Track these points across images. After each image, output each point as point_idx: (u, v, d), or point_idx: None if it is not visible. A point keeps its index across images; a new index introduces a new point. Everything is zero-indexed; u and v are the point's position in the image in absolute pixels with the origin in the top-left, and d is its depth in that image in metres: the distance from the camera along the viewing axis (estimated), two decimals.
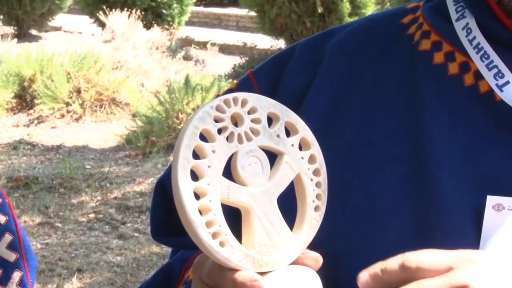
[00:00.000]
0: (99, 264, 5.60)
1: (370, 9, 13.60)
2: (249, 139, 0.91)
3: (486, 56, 1.05)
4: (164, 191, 1.27)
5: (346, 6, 13.11)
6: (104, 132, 9.26)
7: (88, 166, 7.87)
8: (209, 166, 0.88)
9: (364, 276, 0.91)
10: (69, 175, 7.44)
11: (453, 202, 1.02)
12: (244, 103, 0.92)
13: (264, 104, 0.94)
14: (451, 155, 1.05)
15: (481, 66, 1.05)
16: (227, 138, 0.90)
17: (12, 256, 1.17)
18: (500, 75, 1.04)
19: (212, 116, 0.89)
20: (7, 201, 1.17)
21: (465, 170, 1.04)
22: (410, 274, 0.89)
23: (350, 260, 0.93)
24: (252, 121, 0.92)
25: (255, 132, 0.92)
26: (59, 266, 5.56)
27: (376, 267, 0.91)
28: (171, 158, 7.88)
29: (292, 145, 0.95)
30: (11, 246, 1.17)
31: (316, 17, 13.10)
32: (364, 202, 1.07)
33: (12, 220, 1.18)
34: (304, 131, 0.96)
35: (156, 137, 8.27)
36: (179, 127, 8.23)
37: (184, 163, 0.86)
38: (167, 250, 5.76)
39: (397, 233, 0.98)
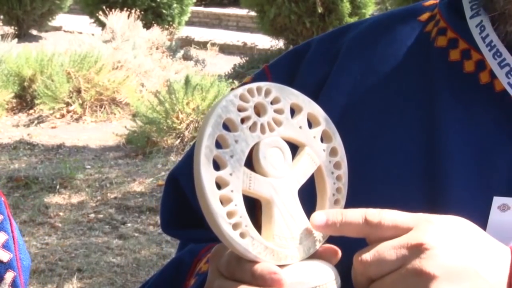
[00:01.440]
0: (99, 264, 5.60)
1: (370, 9, 13.59)
2: (271, 129, 0.91)
3: (498, 54, 1.06)
4: (175, 184, 1.27)
5: (346, 6, 13.10)
6: (104, 132, 9.25)
7: (88, 166, 7.86)
8: (231, 156, 0.87)
9: (320, 219, 0.92)
10: (69, 175, 7.44)
11: (461, 201, 1.03)
12: (267, 93, 0.92)
13: (287, 95, 0.93)
14: (464, 153, 1.05)
15: (493, 64, 1.06)
16: (249, 128, 0.90)
17: (5, 256, 1.15)
18: None
19: (235, 105, 0.89)
20: (3, 199, 1.16)
21: (477, 170, 1.04)
22: (370, 229, 0.90)
23: (362, 243, 0.93)
24: (275, 111, 0.92)
25: (278, 123, 0.92)
26: (59, 266, 5.55)
27: (335, 214, 0.91)
28: (171, 158, 7.89)
29: (314, 137, 0.95)
30: (5, 246, 1.16)
31: (316, 17, 13.09)
32: (377, 196, 1.07)
33: (7, 219, 1.17)
34: (327, 123, 0.96)
35: (156, 137, 8.27)
36: (179, 127, 8.23)
37: (207, 152, 0.86)
38: (167, 250, 5.76)
39: None
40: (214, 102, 0.88)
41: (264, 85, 0.92)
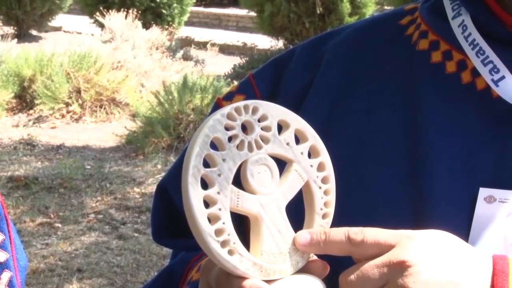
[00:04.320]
0: (99, 265, 5.60)
1: (370, 9, 13.59)
2: (259, 147, 0.92)
3: (481, 52, 1.07)
4: (165, 194, 1.28)
5: (346, 6, 13.10)
6: (104, 132, 9.25)
7: (88, 166, 7.86)
8: (219, 175, 0.88)
9: (304, 238, 0.93)
10: (69, 175, 7.44)
11: (447, 200, 1.04)
12: (254, 110, 0.93)
13: (275, 112, 0.94)
14: (448, 152, 1.06)
15: (476, 62, 1.07)
16: (237, 146, 0.90)
17: (2, 256, 1.15)
18: (495, 70, 1.05)
19: (223, 124, 0.90)
20: (0, 199, 1.16)
21: (461, 167, 1.05)
22: (353, 247, 0.91)
23: (349, 257, 0.94)
24: (262, 128, 0.93)
25: (265, 140, 0.93)
26: (59, 267, 5.56)
27: (319, 234, 0.92)
28: (171, 158, 7.89)
29: (302, 153, 0.95)
30: (2, 246, 1.15)
31: (316, 17, 13.10)
32: (362, 200, 1.08)
33: (4, 219, 1.16)
34: (314, 138, 0.97)
35: (155, 138, 8.27)
36: (179, 127, 8.23)
37: (194, 172, 0.87)
38: (167, 250, 5.76)
39: (395, 229, 0.98)
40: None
41: (251, 103, 0.93)
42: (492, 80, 1.05)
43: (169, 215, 1.28)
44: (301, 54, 1.23)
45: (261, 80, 1.23)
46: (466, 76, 1.09)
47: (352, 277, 0.90)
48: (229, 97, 1.24)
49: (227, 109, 0.91)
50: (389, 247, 0.90)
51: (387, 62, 1.16)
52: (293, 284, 0.91)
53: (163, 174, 7.41)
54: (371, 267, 0.89)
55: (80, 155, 8.38)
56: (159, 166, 7.77)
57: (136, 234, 6.16)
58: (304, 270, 0.93)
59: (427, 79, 1.11)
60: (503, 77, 1.05)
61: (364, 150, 1.11)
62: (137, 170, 7.75)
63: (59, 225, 6.35)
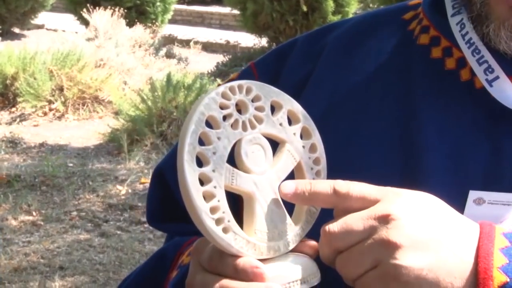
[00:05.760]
0: (81, 262, 5.59)
1: (353, 7, 13.62)
2: (253, 126, 0.93)
3: (477, 51, 1.07)
4: (161, 178, 1.28)
5: (330, 5, 13.11)
6: (86, 130, 9.23)
7: (71, 164, 7.84)
8: (214, 153, 0.89)
9: (289, 187, 0.93)
10: (51, 173, 7.42)
11: (437, 196, 1.04)
12: (248, 91, 0.94)
13: (268, 93, 0.95)
14: (441, 150, 1.07)
15: (472, 61, 1.08)
16: (231, 125, 0.91)
17: None
18: (490, 70, 1.06)
19: (218, 103, 0.91)
20: None
21: (453, 165, 1.06)
22: (338, 199, 0.91)
23: None
24: (256, 109, 0.94)
25: (259, 120, 0.94)
26: (41, 264, 5.54)
27: (304, 184, 0.93)
28: (154, 156, 7.88)
29: (294, 133, 0.97)
30: None
31: (299, 16, 13.10)
32: None
33: None
34: (306, 120, 0.98)
35: (138, 135, 8.25)
36: (162, 125, 8.21)
37: (190, 149, 0.87)
38: (149, 248, 5.76)
39: None
40: (197, 100, 0.91)
41: (245, 83, 0.94)
42: (486, 80, 1.06)
43: (164, 199, 1.29)
44: (302, 45, 1.24)
45: (262, 69, 1.24)
46: (466, 73, 1.10)
47: (335, 227, 0.90)
48: None
49: (221, 88, 0.92)
50: (374, 202, 0.90)
51: (386, 56, 1.17)
52: (285, 263, 0.92)
53: (145, 171, 7.41)
54: (355, 219, 0.89)
55: (62, 153, 8.36)
56: (141, 164, 7.76)
57: (118, 232, 6.15)
58: (296, 249, 0.94)
59: (425, 74, 1.12)
60: (497, 77, 1.05)
61: (358, 143, 1.11)
62: (119, 168, 7.73)
63: (42, 222, 6.33)
